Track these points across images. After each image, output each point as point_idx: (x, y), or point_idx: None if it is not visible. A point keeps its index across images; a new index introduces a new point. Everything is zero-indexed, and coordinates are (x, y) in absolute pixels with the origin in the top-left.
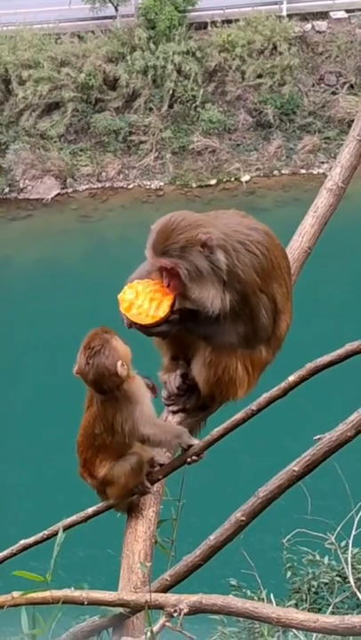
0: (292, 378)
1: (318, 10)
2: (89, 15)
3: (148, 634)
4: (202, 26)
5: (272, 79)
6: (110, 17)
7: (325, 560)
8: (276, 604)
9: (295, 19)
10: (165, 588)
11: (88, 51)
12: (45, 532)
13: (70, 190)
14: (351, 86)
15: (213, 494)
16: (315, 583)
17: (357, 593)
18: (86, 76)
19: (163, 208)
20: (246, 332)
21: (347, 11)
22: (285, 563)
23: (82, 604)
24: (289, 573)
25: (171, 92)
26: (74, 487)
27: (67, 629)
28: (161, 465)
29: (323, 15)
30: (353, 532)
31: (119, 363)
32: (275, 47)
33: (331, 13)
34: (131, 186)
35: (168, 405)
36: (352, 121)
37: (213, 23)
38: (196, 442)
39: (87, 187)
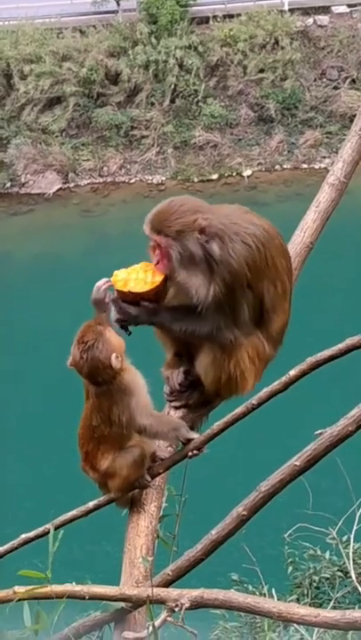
0: (292, 372)
1: (320, 4)
2: (91, 10)
3: (150, 628)
4: (204, 20)
5: (274, 74)
6: (112, 11)
7: (327, 555)
8: (278, 599)
9: (297, 13)
10: (167, 583)
11: (90, 45)
12: (46, 527)
13: (72, 185)
14: (353, 81)
15: (215, 489)
16: (316, 578)
17: (359, 588)
18: (88, 71)
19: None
20: (227, 326)
21: (348, 5)
22: (287, 558)
23: (83, 598)
24: (290, 568)
25: (172, 86)
26: (75, 481)
27: (68, 624)
28: (162, 459)
29: (325, 10)
30: (354, 527)
31: (113, 355)
32: (277, 42)
33: (333, 8)
34: (132, 180)
35: (170, 401)
36: (354, 115)
37: (215, 18)
38: (194, 435)
39: (89, 181)
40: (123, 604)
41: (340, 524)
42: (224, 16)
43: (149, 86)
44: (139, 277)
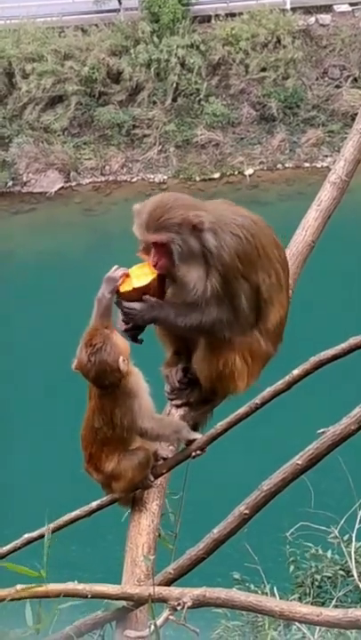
0: (296, 372)
1: (322, 3)
2: (92, 8)
3: (152, 627)
4: (205, 19)
5: (276, 72)
6: (114, 10)
7: (328, 554)
8: (280, 598)
9: (299, 12)
10: (169, 582)
11: (92, 44)
12: (50, 526)
13: (74, 184)
14: (355, 79)
15: (217, 487)
16: (318, 577)
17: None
18: (90, 70)
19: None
20: (229, 320)
21: (351, 4)
22: (288, 556)
23: (85, 597)
24: (292, 567)
25: (174, 85)
26: (77, 481)
27: (70, 623)
28: (164, 459)
29: (326, 8)
30: (356, 526)
31: (121, 358)
32: (278, 40)
33: (335, 6)
34: (134, 179)
35: (171, 400)
36: (356, 114)
37: (217, 16)
38: (197, 436)
39: (91, 180)
40: (124, 603)
41: (341, 522)
42: (226, 15)
43: (151, 85)
44: (141, 272)
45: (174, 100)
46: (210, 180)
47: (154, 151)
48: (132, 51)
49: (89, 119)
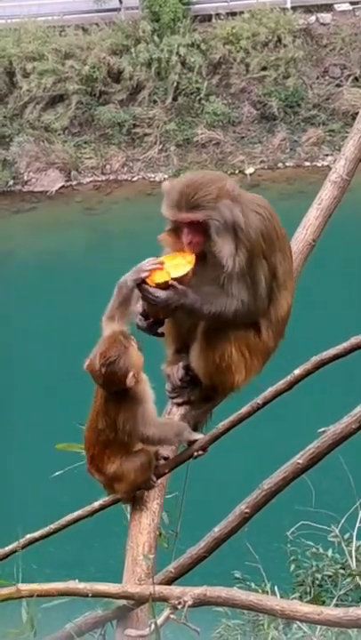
0: (297, 371)
1: (323, 2)
2: (93, 7)
3: (152, 626)
4: (206, 18)
5: (276, 72)
6: (114, 9)
7: (329, 553)
8: (280, 597)
9: (299, 11)
10: (170, 581)
11: (92, 43)
12: (51, 526)
13: (74, 183)
14: (356, 79)
15: (217, 487)
16: (319, 576)
17: None
18: (90, 69)
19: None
20: (249, 304)
21: (351, 3)
22: (289, 555)
23: (86, 596)
24: (293, 566)
25: (175, 84)
26: (79, 480)
27: (71, 622)
28: (165, 458)
29: (327, 7)
30: (357, 525)
31: (130, 374)
32: (279, 39)
33: (335, 5)
34: (135, 178)
35: (172, 398)
36: (356, 113)
37: (218, 15)
38: (198, 436)
39: (91, 179)
40: (125, 602)
41: (342, 521)
42: (227, 14)
43: (152, 84)
44: (175, 262)
45: (175, 99)
46: None
47: (154, 150)
48: (132, 50)
49: (89, 118)
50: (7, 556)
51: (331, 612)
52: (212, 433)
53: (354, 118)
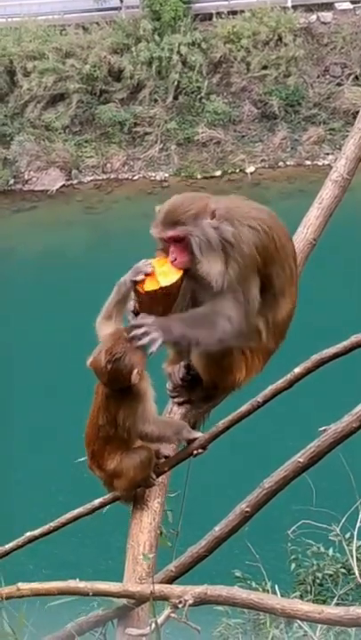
0: (297, 370)
1: (323, 1)
2: (94, 6)
3: (153, 625)
4: (207, 17)
5: (277, 70)
6: (115, 8)
7: (330, 552)
8: (281, 596)
9: (300, 10)
10: (170, 579)
11: (93, 42)
12: (51, 524)
13: (75, 182)
14: (356, 77)
15: (218, 486)
16: (319, 575)
17: None
18: (91, 68)
19: (166, 200)
20: (239, 320)
21: (352, 2)
22: (290, 555)
23: (87, 594)
24: (293, 565)
25: (176, 83)
26: (79, 478)
27: (72, 621)
28: (166, 457)
29: (328, 6)
30: (358, 524)
31: (135, 371)
32: (280, 38)
33: (336, 4)
34: (136, 177)
35: (173, 397)
36: (357, 112)
37: (219, 14)
38: (197, 435)
39: (92, 178)
40: (125, 601)
41: (343, 521)
42: (227, 13)
43: (152, 83)
44: (163, 270)
45: (175, 97)
46: (211, 177)
47: (155, 149)
48: (133, 49)
49: (90, 117)
50: (7, 553)
51: (332, 610)
52: (212, 431)
53: (355, 117)
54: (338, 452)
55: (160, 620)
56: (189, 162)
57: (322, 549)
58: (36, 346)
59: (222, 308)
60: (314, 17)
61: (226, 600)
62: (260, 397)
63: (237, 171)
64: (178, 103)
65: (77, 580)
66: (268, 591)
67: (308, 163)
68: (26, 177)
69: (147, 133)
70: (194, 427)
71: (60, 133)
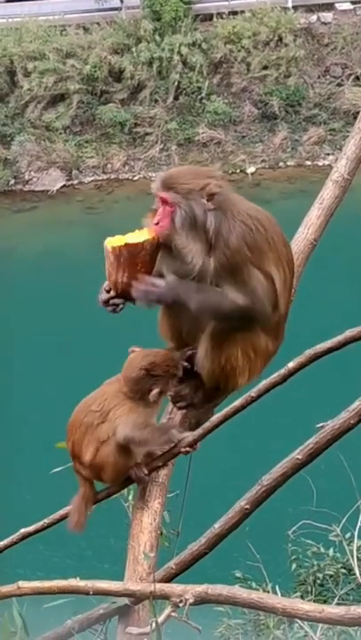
0: (291, 364)
1: (324, 1)
2: (94, 7)
3: (153, 624)
4: (207, 17)
5: (277, 71)
6: (115, 8)
7: (330, 552)
8: (282, 596)
9: (301, 10)
10: (171, 577)
11: (93, 42)
12: (46, 521)
13: (76, 182)
14: (357, 78)
15: (217, 484)
16: (320, 575)
17: None
18: (91, 68)
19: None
20: (245, 306)
21: (352, 2)
22: (290, 555)
23: (87, 593)
24: (294, 565)
25: (176, 83)
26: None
27: (72, 619)
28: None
29: (328, 6)
30: (358, 524)
31: (156, 391)
32: (280, 39)
33: (336, 5)
34: (136, 177)
35: (175, 403)
36: (358, 112)
37: (219, 15)
38: (185, 435)
39: (92, 178)
40: (126, 600)
41: (343, 521)
42: (228, 13)
43: (153, 83)
44: (135, 233)
45: (176, 98)
46: None
47: (155, 149)
48: (133, 49)
49: (91, 117)
50: (1, 551)
51: (332, 610)
52: (205, 426)
53: (355, 117)
54: (338, 452)
55: (161, 619)
56: (190, 162)
57: (322, 550)
58: (37, 346)
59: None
60: (314, 17)
61: (227, 599)
62: (253, 392)
63: (238, 171)
64: (178, 103)
65: (78, 578)
66: (268, 591)
67: (308, 163)
68: (26, 177)
69: (147, 134)
70: (196, 427)
71: (60, 134)
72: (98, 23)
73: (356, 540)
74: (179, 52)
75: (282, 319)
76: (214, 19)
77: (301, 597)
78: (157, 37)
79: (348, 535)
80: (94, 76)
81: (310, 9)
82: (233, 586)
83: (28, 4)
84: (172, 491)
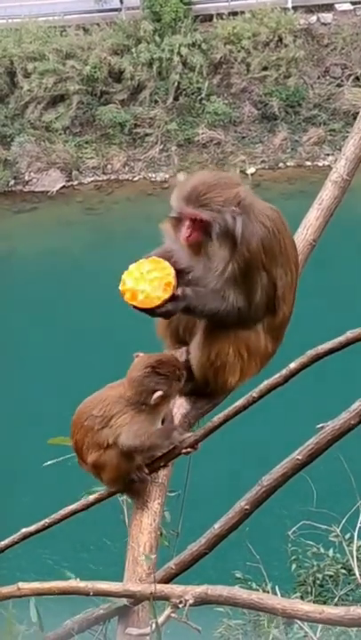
0: (293, 365)
1: (324, 2)
2: (94, 7)
3: (153, 625)
4: (207, 18)
5: (277, 71)
6: (115, 9)
7: (330, 553)
8: (282, 597)
9: (300, 11)
10: (171, 577)
11: (93, 43)
12: (47, 521)
13: (75, 183)
14: (357, 78)
15: (217, 484)
16: (320, 576)
17: None
18: (91, 69)
19: (168, 200)
20: (243, 308)
21: (352, 2)
22: (290, 555)
23: (87, 594)
24: (294, 566)
25: (176, 84)
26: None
27: (71, 619)
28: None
29: (328, 7)
30: (358, 525)
31: (158, 393)
32: (280, 39)
33: (336, 5)
34: (136, 178)
35: None
36: (357, 113)
37: (219, 15)
38: (187, 436)
39: (92, 179)
40: (126, 601)
41: (343, 521)
42: (228, 14)
43: (153, 84)
44: (146, 291)
45: (176, 98)
46: None
47: (155, 150)
48: (133, 50)
49: (90, 118)
50: (2, 550)
51: (332, 610)
52: (207, 426)
53: (355, 118)
54: (338, 453)
55: (161, 619)
56: (190, 163)
57: (322, 550)
58: (36, 346)
59: (227, 294)
60: (314, 18)
61: (226, 600)
62: (255, 392)
63: (238, 172)
64: (178, 104)
65: (78, 579)
66: (268, 592)
67: (308, 163)
68: (26, 178)
69: (147, 134)
70: (191, 426)
71: (60, 134)
72: (98, 24)
73: (355, 541)
74: (179, 53)
75: (285, 321)
76: (214, 19)
77: (301, 598)
78: (157, 38)
79: (347, 536)
80: (94, 77)
81: (310, 9)
82: (233, 586)
83: (27, 5)
84: (171, 491)
